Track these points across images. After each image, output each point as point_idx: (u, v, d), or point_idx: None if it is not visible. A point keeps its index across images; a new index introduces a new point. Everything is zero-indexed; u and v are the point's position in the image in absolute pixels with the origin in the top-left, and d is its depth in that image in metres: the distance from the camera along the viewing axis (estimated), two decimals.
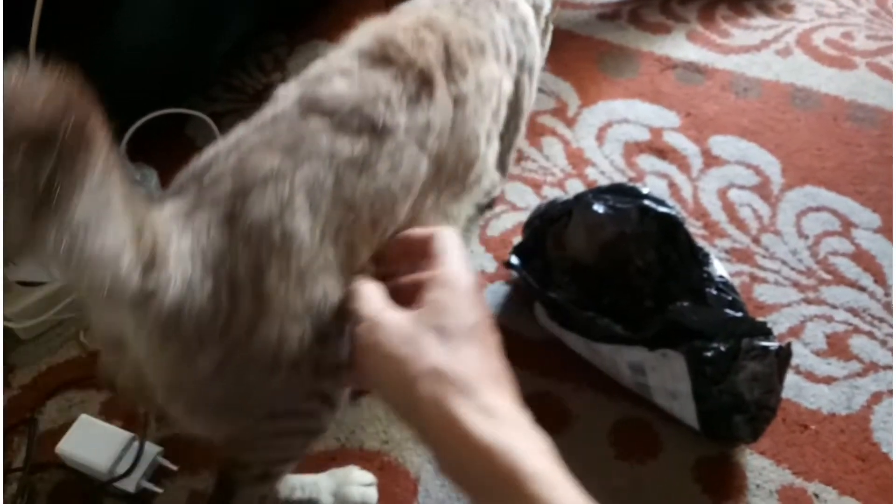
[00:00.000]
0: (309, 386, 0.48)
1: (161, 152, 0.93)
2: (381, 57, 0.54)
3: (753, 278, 0.84)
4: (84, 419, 0.69)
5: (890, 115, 1.05)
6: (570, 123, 1.04)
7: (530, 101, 0.76)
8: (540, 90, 1.08)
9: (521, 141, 0.81)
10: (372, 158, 0.49)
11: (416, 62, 0.54)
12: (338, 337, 0.47)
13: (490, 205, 0.92)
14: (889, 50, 1.16)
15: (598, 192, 0.76)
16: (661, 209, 0.70)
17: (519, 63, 0.69)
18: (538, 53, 0.75)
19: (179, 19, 0.92)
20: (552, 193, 0.94)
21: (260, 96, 1.09)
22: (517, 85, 0.70)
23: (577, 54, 1.16)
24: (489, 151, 0.64)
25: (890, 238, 0.88)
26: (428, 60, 0.54)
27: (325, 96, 0.50)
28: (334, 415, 0.53)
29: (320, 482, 0.65)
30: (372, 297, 0.44)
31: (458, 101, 0.56)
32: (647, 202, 0.70)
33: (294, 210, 0.44)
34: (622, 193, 0.74)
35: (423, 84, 0.53)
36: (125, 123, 0.81)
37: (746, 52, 1.16)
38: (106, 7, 0.83)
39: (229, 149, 0.48)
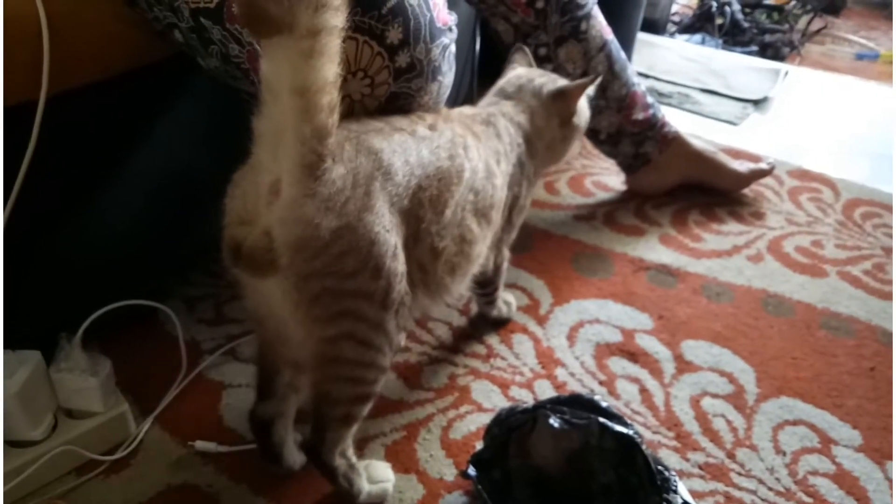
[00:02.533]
0: (379, 316, 0.64)
1: (123, 340, 0.93)
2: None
3: (729, 499, 0.79)
4: None
5: (865, 325, 1.05)
6: (541, 321, 1.04)
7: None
8: (513, 286, 1.10)
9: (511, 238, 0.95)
10: (433, 139, 0.71)
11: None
12: (401, 276, 0.65)
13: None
14: (857, 260, 1.19)
15: (556, 403, 0.74)
16: (618, 428, 0.67)
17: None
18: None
19: (159, 209, 0.95)
20: (520, 394, 0.92)
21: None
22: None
23: (552, 253, 1.18)
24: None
25: (872, 458, 0.84)
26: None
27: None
28: (390, 357, 0.68)
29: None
30: None
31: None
32: (603, 419, 0.68)
33: (394, 151, 0.65)
34: (580, 406, 0.72)
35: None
36: (90, 309, 0.81)
37: (718, 256, 1.19)
38: (84, 194, 0.87)
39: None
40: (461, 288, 0.81)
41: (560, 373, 0.95)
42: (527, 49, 1.03)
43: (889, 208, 1.33)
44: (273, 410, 0.75)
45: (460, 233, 0.74)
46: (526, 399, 0.91)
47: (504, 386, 0.93)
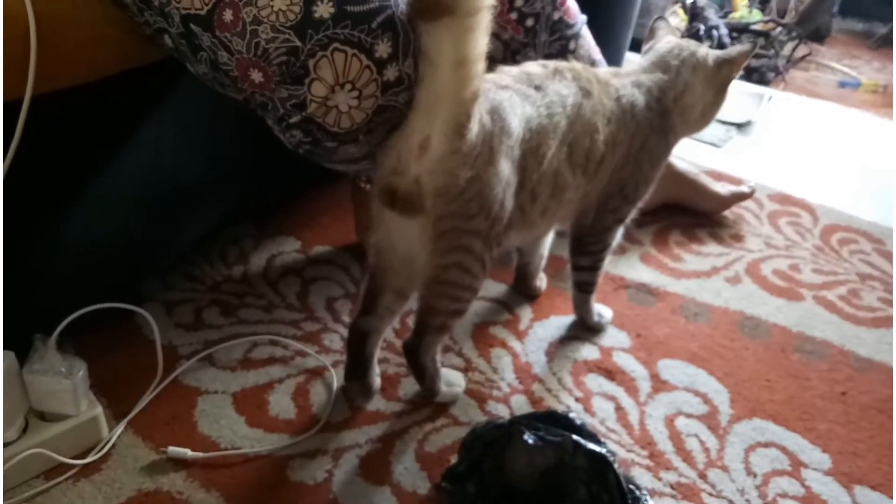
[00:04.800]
0: (482, 250, 0.78)
1: (99, 342, 0.92)
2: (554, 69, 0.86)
3: None
4: None
5: (839, 349, 1.06)
6: (520, 336, 1.05)
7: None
8: (493, 300, 1.10)
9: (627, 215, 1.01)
10: (536, 99, 0.80)
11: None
12: (504, 220, 0.79)
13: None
14: (833, 285, 1.20)
15: (532, 419, 0.74)
16: (591, 446, 0.68)
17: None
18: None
19: (142, 212, 0.95)
20: (496, 409, 0.92)
21: (218, 287, 1.10)
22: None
23: None
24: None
25: (841, 482, 0.85)
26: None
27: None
28: (481, 282, 0.83)
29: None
30: None
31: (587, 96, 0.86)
32: (577, 437, 0.68)
33: (508, 110, 0.76)
34: (555, 423, 0.72)
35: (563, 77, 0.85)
36: (67, 310, 0.80)
37: (697, 277, 1.20)
38: (67, 195, 0.87)
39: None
40: (548, 227, 0.96)
41: (537, 388, 0.96)
42: (668, 20, 1.06)
43: (866, 235, 1.35)
44: (371, 325, 0.88)
45: (554, 179, 0.84)
46: (502, 414, 0.91)
47: (481, 400, 0.93)
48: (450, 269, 0.80)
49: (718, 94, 0.97)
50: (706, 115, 0.98)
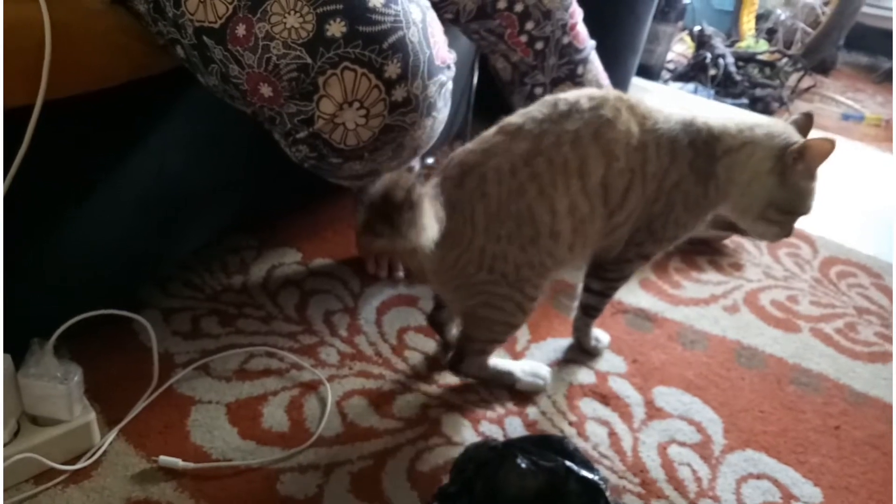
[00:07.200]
0: (507, 292, 0.86)
1: (95, 347, 0.92)
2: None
3: None
4: None
5: (834, 383, 1.06)
6: (517, 357, 1.05)
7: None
8: None
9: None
10: (530, 150, 0.82)
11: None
12: (515, 267, 0.84)
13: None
14: (831, 317, 1.21)
15: (525, 442, 0.74)
16: (584, 473, 0.67)
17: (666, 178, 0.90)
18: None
19: (146, 220, 0.95)
20: (490, 430, 0.92)
21: (217, 297, 1.10)
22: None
23: None
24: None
25: None
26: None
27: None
28: (521, 317, 0.89)
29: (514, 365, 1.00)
30: None
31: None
32: (570, 463, 0.68)
33: (492, 180, 0.81)
34: (549, 447, 0.72)
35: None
36: (65, 314, 0.80)
37: (696, 304, 1.20)
38: (73, 200, 0.87)
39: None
40: (582, 258, 0.96)
41: (531, 411, 0.96)
42: (812, 117, 0.97)
43: (865, 269, 1.36)
44: (445, 317, 1.01)
45: (571, 214, 0.84)
46: (496, 435, 0.91)
47: (475, 420, 0.93)
48: (477, 308, 0.88)
49: (771, 175, 0.89)
50: (752, 189, 0.90)
